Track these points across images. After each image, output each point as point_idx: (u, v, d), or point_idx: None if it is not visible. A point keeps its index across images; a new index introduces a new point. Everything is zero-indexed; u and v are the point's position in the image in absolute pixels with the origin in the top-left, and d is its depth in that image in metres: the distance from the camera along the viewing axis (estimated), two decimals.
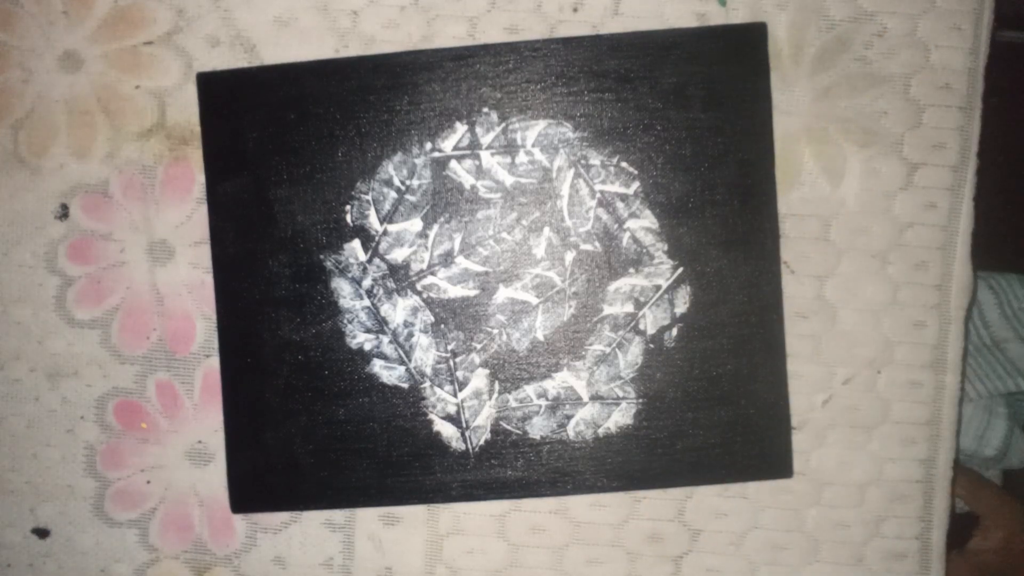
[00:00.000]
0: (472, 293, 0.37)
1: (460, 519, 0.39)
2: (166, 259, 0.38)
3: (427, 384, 0.37)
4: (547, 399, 0.38)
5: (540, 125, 0.37)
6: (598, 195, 0.37)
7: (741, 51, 0.37)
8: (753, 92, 0.37)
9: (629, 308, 0.37)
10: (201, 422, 0.39)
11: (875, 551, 0.39)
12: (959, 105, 0.38)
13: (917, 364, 0.38)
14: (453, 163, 0.37)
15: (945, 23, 0.37)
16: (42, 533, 0.39)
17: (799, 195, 0.38)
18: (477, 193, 0.37)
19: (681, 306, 0.37)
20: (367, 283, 0.37)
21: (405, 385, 0.38)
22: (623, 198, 0.37)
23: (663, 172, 0.37)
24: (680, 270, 0.37)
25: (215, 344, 0.38)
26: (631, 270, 0.37)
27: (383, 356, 0.37)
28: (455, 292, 0.37)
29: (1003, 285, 0.56)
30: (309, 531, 0.39)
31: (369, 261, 0.37)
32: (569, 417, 0.38)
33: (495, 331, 0.37)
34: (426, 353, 0.37)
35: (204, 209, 0.38)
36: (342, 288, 0.37)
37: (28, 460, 0.39)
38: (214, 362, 0.38)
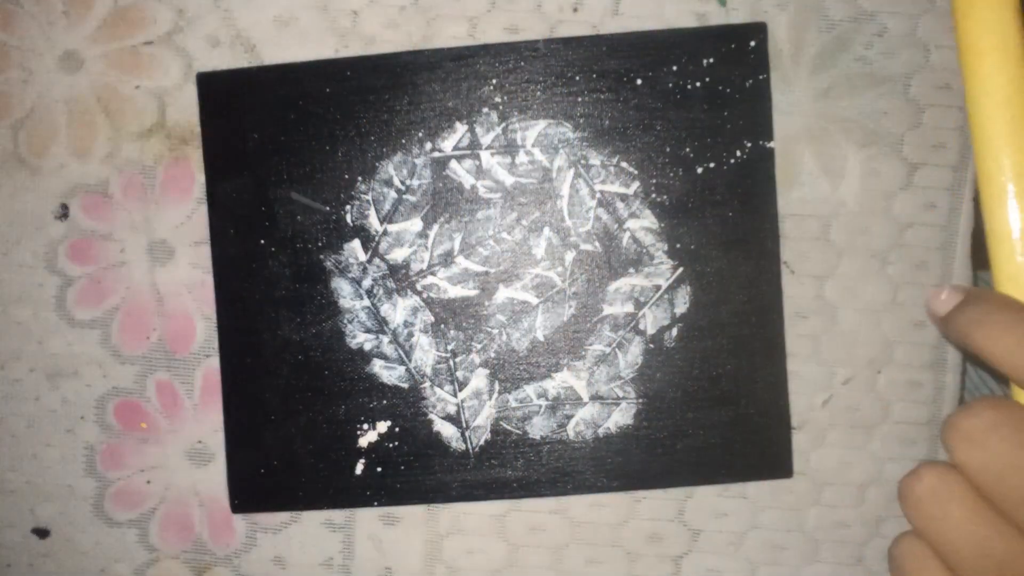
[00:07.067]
0: (472, 293, 0.37)
1: (460, 519, 0.39)
2: (166, 259, 0.38)
3: (427, 384, 0.37)
4: (547, 399, 0.38)
5: (540, 125, 0.37)
6: (598, 195, 0.37)
7: (741, 51, 0.37)
8: (753, 92, 0.37)
9: (629, 308, 0.37)
10: (201, 422, 0.39)
11: (875, 551, 0.39)
12: (959, 105, 0.38)
13: (917, 364, 0.38)
14: (453, 163, 0.37)
15: (945, 23, 0.37)
16: (42, 533, 0.39)
17: (799, 195, 0.38)
18: (477, 193, 0.37)
19: (681, 306, 0.37)
20: (367, 283, 0.37)
21: (405, 385, 0.38)
22: (623, 198, 0.37)
23: (663, 172, 0.37)
24: (680, 270, 0.37)
25: (215, 344, 0.38)
26: (631, 270, 0.37)
27: (383, 356, 0.37)
28: (455, 292, 0.37)
29: None
30: (309, 531, 0.39)
31: (369, 261, 0.37)
32: (569, 417, 0.38)
33: (495, 331, 0.37)
34: (426, 353, 0.37)
35: (204, 209, 0.38)
36: (342, 288, 0.37)
37: (28, 460, 0.39)
38: (214, 362, 0.38)
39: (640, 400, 0.37)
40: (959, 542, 0.23)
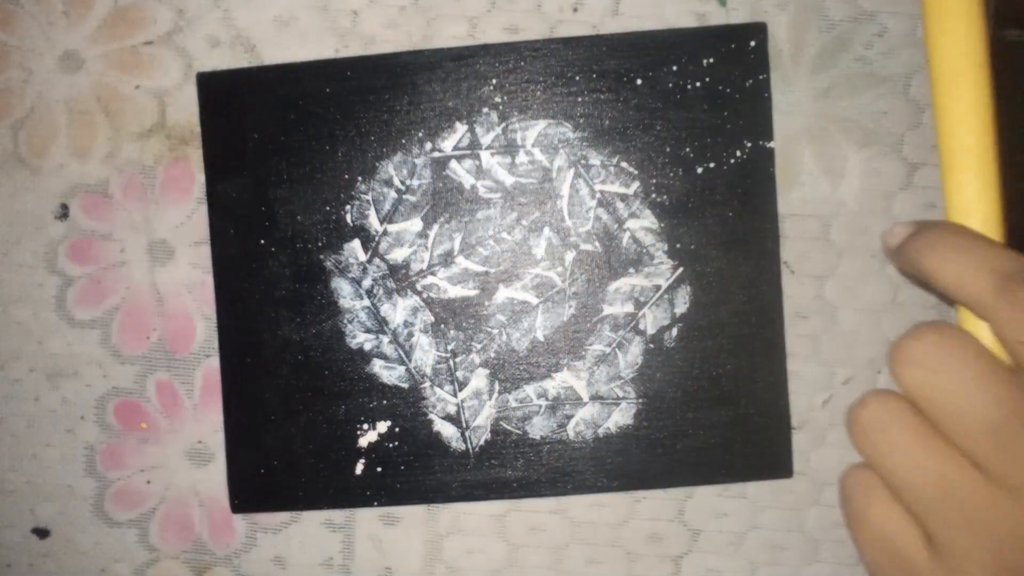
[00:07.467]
0: (472, 293, 0.37)
1: (460, 519, 0.39)
2: (166, 259, 0.38)
3: (427, 384, 0.37)
4: (547, 399, 0.38)
5: (540, 125, 0.37)
6: (598, 195, 0.37)
7: (741, 51, 0.37)
8: (753, 92, 0.37)
9: (629, 308, 0.37)
10: (201, 422, 0.39)
11: None
12: None
13: None
14: (453, 163, 0.37)
15: None
16: (42, 533, 0.39)
17: (799, 195, 0.38)
18: (477, 193, 0.37)
19: (681, 306, 0.37)
20: (367, 283, 0.37)
21: (405, 385, 0.38)
22: (623, 198, 0.37)
23: (663, 172, 0.37)
24: (680, 270, 0.37)
25: (215, 344, 0.38)
26: (631, 270, 0.37)
27: (383, 356, 0.37)
28: (455, 292, 0.37)
29: None
30: (309, 531, 0.39)
31: (369, 261, 0.37)
32: (569, 417, 0.38)
33: (495, 331, 0.37)
34: (426, 353, 0.37)
35: (204, 209, 0.38)
36: (342, 288, 0.37)
37: (28, 460, 0.39)
38: (214, 362, 0.38)
39: (640, 400, 0.37)
40: (904, 468, 0.23)
